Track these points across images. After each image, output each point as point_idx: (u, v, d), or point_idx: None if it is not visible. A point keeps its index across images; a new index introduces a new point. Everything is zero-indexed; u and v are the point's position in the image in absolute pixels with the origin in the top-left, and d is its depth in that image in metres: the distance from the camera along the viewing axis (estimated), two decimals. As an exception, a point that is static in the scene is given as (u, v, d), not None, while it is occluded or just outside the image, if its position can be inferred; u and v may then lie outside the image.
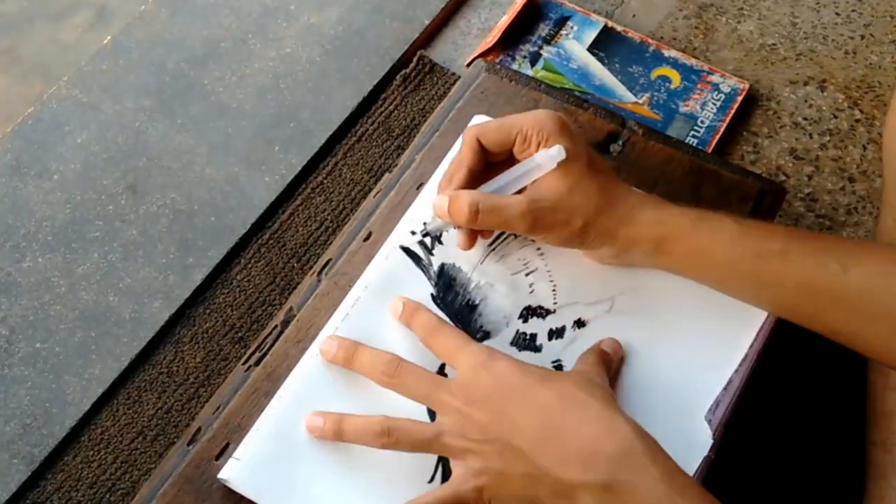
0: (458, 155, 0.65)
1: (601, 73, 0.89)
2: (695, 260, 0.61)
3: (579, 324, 0.67)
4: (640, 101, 0.88)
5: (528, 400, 0.56)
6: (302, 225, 0.83)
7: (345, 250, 0.71)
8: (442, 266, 0.69)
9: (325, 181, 0.86)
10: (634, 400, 0.63)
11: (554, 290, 0.68)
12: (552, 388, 0.56)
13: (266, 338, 0.69)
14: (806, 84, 0.90)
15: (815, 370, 0.74)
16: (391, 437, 0.57)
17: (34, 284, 0.80)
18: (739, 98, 0.88)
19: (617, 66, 0.90)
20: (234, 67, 0.92)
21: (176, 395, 0.76)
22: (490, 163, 0.65)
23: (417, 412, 0.61)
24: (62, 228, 0.83)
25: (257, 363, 0.67)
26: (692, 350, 0.65)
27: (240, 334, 0.78)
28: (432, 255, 0.69)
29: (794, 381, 0.73)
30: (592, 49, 0.91)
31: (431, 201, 0.63)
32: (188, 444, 0.65)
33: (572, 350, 0.65)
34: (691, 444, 0.60)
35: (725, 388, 0.63)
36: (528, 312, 0.67)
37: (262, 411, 0.64)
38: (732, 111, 0.87)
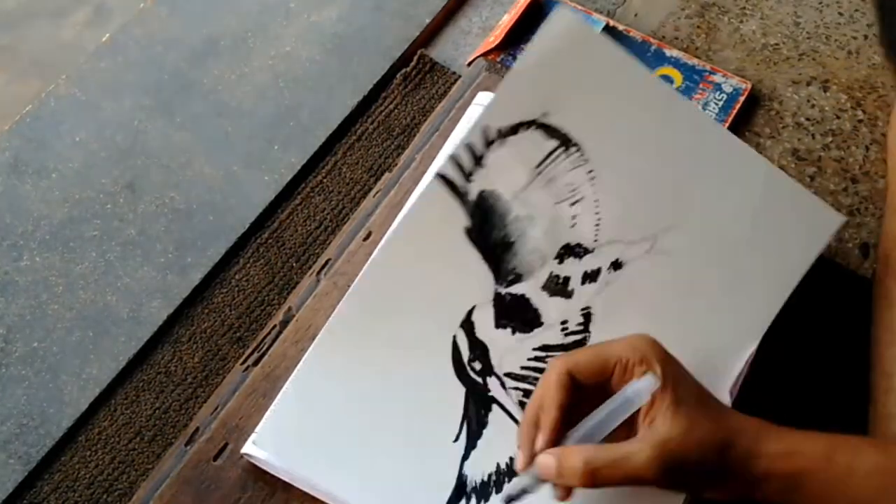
0: (543, 391, 0.56)
1: (603, 72, 0.89)
2: (833, 494, 0.55)
3: (616, 265, 0.65)
4: (642, 101, 0.87)
5: None
6: (301, 224, 0.83)
7: (344, 250, 0.71)
8: (481, 194, 0.64)
9: (325, 180, 0.85)
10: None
11: (597, 225, 0.65)
12: None
13: (265, 338, 0.69)
14: (808, 84, 0.90)
15: (816, 371, 0.74)
16: None
17: (31, 283, 0.80)
18: (741, 98, 0.87)
19: (618, 65, 0.89)
20: (234, 66, 0.92)
21: (174, 395, 0.75)
22: (581, 395, 0.57)
23: (445, 383, 0.62)
24: (60, 227, 0.83)
25: (256, 363, 0.67)
26: (724, 308, 0.64)
27: (238, 334, 0.78)
28: (470, 181, 0.64)
29: (795, 382, 0.72)
30: (594, 48, 0.90)
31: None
32: (186, 445, 0.65)
33: (604, 296, 0.64)
34: None
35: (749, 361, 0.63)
36: (566, 251, 0.65)
37: (260, 412, 0.64)
38: (734, 111, 0.86)
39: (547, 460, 0.54)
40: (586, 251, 0.65)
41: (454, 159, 0.64)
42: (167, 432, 0.74)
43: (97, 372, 0.76)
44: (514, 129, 0.64)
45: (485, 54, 0.89)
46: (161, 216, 0.83)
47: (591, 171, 0.65)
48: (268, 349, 0.67)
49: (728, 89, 0.88)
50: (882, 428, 0.69)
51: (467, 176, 0.64)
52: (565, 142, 0.65)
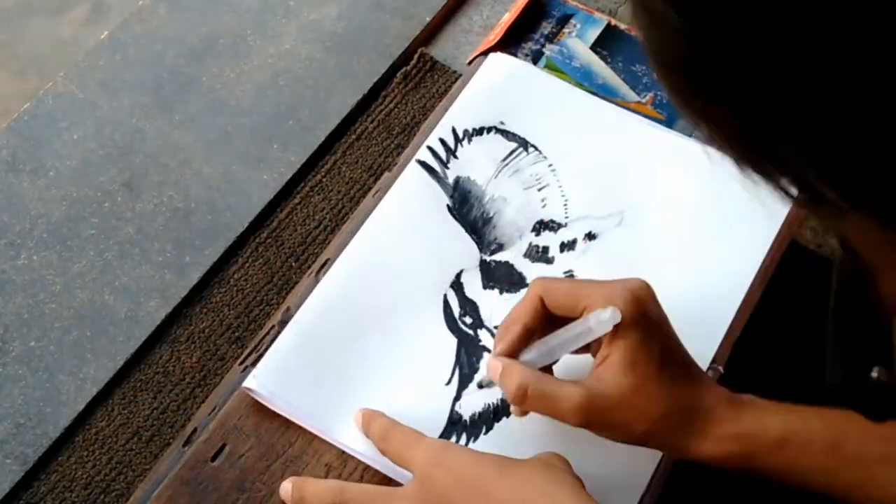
0: (518, 305, 0.60)
1: (604, 71, 0.88)
2: (783, 474, 0.56)
3: (590, 236, 0.70)
4: (644, 101, 0.87)
5: (488, 493, 0.53)
6: (300, 224, 0.82)
7: (343, 250, 0.71)
8: (457, 179, 0.71)
9: (324, 180, 0.85)
10: None
11: (565, 205, 0.71)
12: (513, 477, 0.53)
13: (263, 338, 0.68)
14: (811, 84, 0.89)
15: (817, 372, 0.73)
16: None
17: (29, 282, 0.79)
18: (744, 98, 0.87)
19: (620, 64, 0.89)
20: (233, 64, 0.91)
21: (172, 395, 0.75)
22: (553, 319, 0.59)
23: (437, 334, 0.65)
24: (57, 226, 0.82)
25: (254, 363, 0.66)
26: (703, 271, 0.68)
27: (237, 334, 0.77)
28: (448, 168, 0.71)
29: (796, 383, 0.72)
30: (595, 47, 0.90)
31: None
32: (183, 446, 0.64)
33: (584, 261, 0.69)
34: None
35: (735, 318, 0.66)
36: (541, 226, 0.70)
37: (258, 412, 0.64)
38: (736, 111, 0.86)
39: (494, 366, 0.58)
40: (560, 226, 0.70)
41: (430, 149, 0.72)
42: (165, 433, 0.73)
43: (94, 371, 0.75)
44: (479, 132, 0.74)
45: (485, 53, 0.89)
46: (159, 215, 0.83)
47: (551, 165, 0.72)
48: (266, 349, 0.66)
49: (730, 89, 0.87)
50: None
51: (444, 163, 0.72)
52: (524, 144, 0.74)
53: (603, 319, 0.55)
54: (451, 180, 0.71)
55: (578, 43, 0.90)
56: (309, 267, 0.78)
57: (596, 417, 0.55)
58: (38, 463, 0.72)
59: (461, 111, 0.74)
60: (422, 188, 0.71)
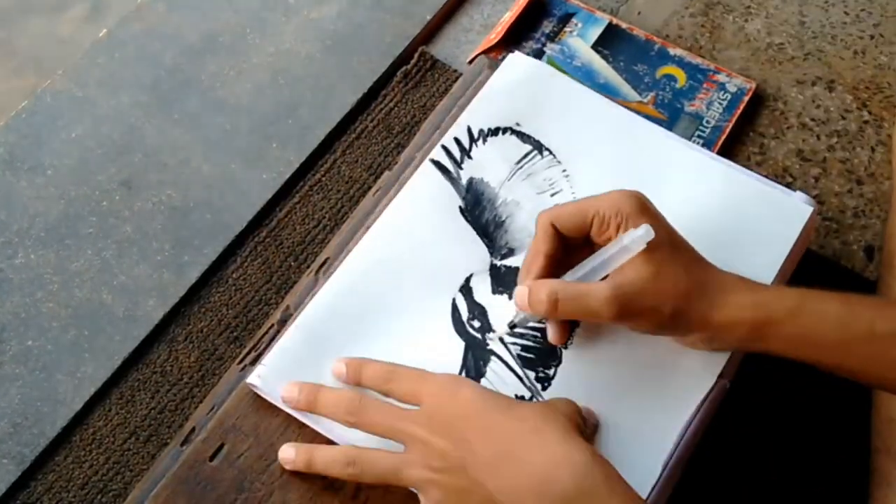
0: (533, 242, 0.63)
1: (605, 71, 0.88)
2: (798, 345, 0.58)
3: None
4: (645, 101, 0.86)
5: (487, 427, 0.55)
6: (300, 223, 0.82)
7: (343, 249, 0.71)
8: (471, 180, 0.71)
9: (324, 179, 0.84)
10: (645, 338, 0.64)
11: None
12: (513, 414, 0.56)
13: (262, 337, 0.68)
14: (814, 84, 0.89)
15: (820, 374, 0.73)
16: (356, 467, 0.58)
17: (26, 281, 0.79)
18: (746, 98, 0.87)
19: (622, 64, 0.88)
20: (232, 62, 0.91)
21: (170, 394, 0.75)
22: (569, 247, 0.62)
23: (444, 336, 0.65)
24: (55, 224, 0.82)
25: (253, 363, 0.66)
26: None
27: (235, 333, 0.77)
28: (461, 168, 0.71)
29: (799, 386, 0.72)
30: (597, 47, 0.89)
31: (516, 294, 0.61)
32: (181, 445, 0.64)
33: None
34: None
35: None
36: None
37: (257, 411, 0.64)
38: (739, 111, 0.86)
39: (520, 291, 0.60)
40: None
41: (445, 148, 0.72)
42: (163, 432, 0.73)
43: (92, 371, 0.75)
44: (495, 132, 0.73)
45: (486, 52, 0.89)
46: (158, 214, 0.83)
47: (564, 170, 0.72)
48: (265, 349, 0.66)
49: (732, 89, 0.87)
50: (887, 433, 0.69)
51: (458, 164, 0.71)
52: (538, 147, 0.73)
53: (637, 236, 0.57)
54: (464, 181, 0.71)
55: (580, 42, 0.90)
56: (308, 266, 0.77)
57: (626, 306, 0.57)
58: (35, 463, 0.72)
59: (478, 110, 0.74)
60: (435, 189, 0.70)
